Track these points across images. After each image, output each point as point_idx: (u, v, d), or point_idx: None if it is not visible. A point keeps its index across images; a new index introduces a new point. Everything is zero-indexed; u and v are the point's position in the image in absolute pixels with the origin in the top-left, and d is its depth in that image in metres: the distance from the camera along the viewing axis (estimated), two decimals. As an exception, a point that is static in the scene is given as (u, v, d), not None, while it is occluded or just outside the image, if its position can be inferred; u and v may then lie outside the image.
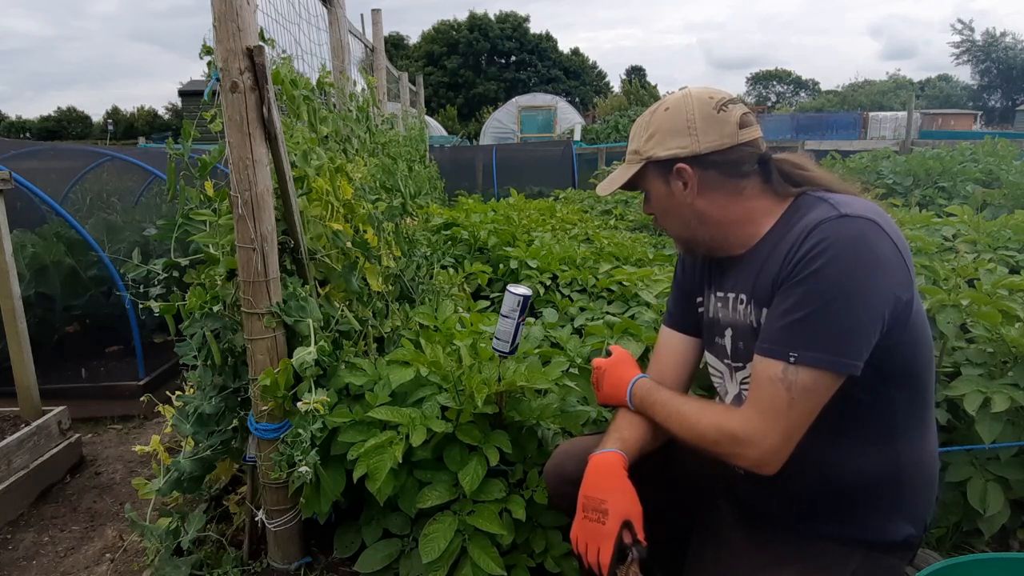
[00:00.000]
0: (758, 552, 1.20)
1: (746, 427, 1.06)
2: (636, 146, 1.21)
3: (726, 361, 1.26)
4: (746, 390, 1.21)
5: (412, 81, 7.20)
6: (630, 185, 1.25)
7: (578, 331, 2.33)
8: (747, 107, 1.16)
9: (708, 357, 1.34)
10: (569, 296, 2.93)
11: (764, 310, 1.11)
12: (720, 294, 1.26)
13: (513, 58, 45.01)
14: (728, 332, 1.24)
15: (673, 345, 1.39)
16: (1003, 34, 41.79)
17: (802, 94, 56.06)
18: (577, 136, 18.44)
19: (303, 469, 1.52)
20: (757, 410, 1.06)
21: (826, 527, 1.15)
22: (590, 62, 47.90)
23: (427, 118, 9.11)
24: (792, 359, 1.01)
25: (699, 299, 1.35)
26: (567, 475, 1.38)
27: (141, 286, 1.81)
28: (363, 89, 2.96)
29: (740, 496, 1.29)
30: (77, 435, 2.65)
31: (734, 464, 1.10)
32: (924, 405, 1.15)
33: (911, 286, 1.05)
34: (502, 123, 23.50)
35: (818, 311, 1.00)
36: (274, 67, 1.67)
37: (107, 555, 2.03)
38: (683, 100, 1.15)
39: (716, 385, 1.32)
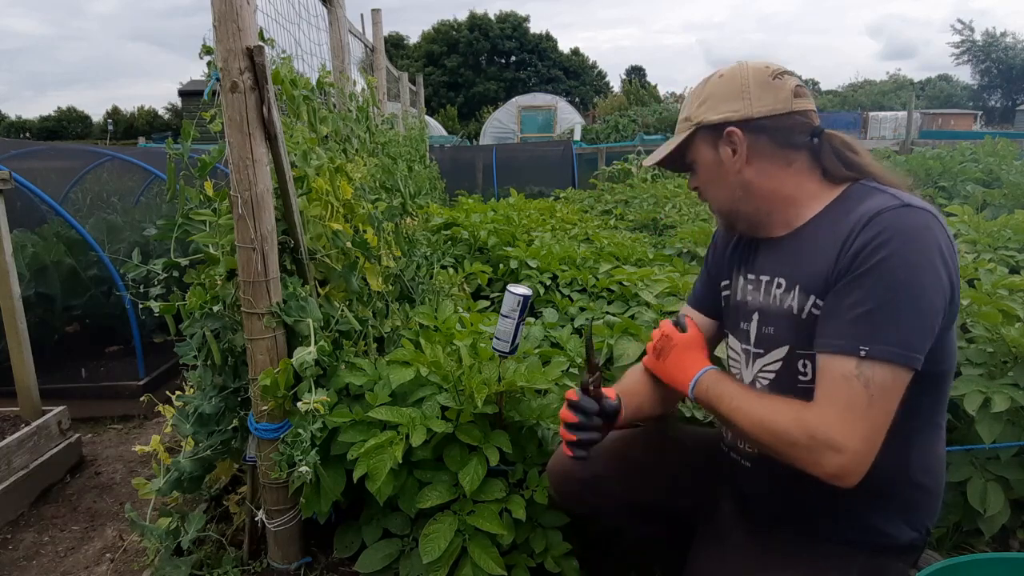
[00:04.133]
0: (760, 553, 1.19)
1: (824, 426, 0.97)
2: (687, 114, 1.19)
3: (746, 346, 1.23)
4: (762, 377, 1.18)
5: (412, 81, 7.20)
6: (677, 160, 1.23)
7: (578, 331, 2.33)
8: (802, 82, 1.15)
9: (730, 341, 1.31)
10: (569, 296, 2.93)
11: (813, 298, 1.07)
12: (752, 276, 1.22)
13: (513, 58, 45.01)
14: (755, 316, 1.20)
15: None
16: (1003, 34, 41.82)
17: (802, 94, 55.87)
18: (577, 136, 18.42)
19: (303, 469, 1.52)
20: (834, 409, 0.98)
21: (830, 529, 1.15)
22: (590, 62, 47.90)
23: (427, 118, 9.11)
24: (863, 353, 0.96)
25: (725, 282, 1.31)
26: (571, 473, 1.38)
27: (141, 286, 1.81)
28: (363, 89, 2.96)
29: (744, 496, 1.28)
30: (77, 435, 2.65)
31: (811, 472, 1.00)
32: (942, 410, 1.14)
33: (957, 277, 1.03)
34: (502, 123, 23.48)
35: (887, 304, 0.96)
36: (274, 67, 1.67)
37: (107, 555, 2.03)
38: (739, 68, 1.15)
39: (733, 371, 1.29)
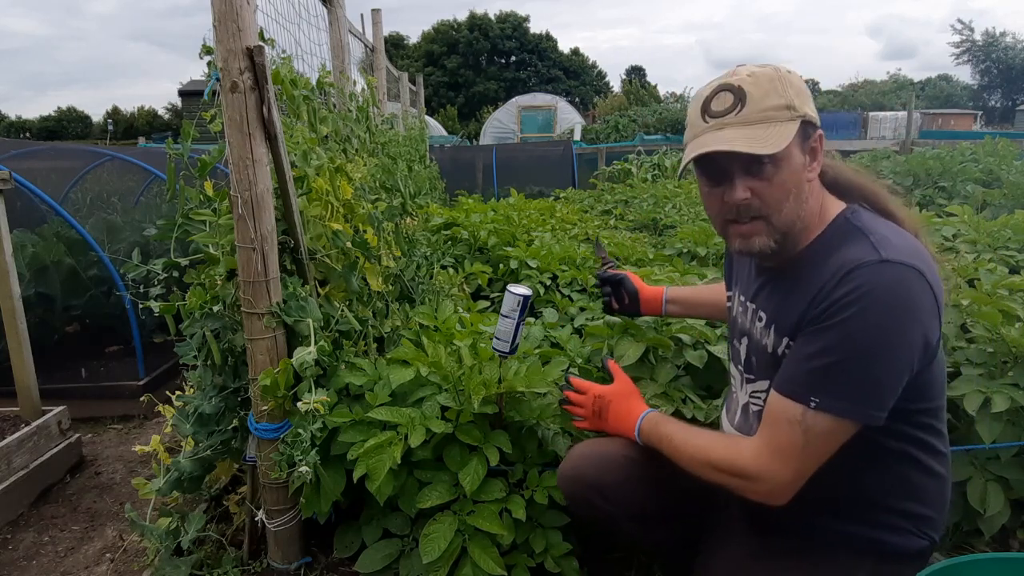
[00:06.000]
0: (766, 558, 1.19)
1: (757, 464, 1.05)
2: (786, 101, 1.01)
3: (739, 367, 1.25)
4: (755, 402, 1.19)
5: (412, 81, 7.20)
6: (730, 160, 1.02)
7: (578, 331, 2.33)
8: None
9: (729, 360, 1.33)
10: (569, 296, 2.93)
11: (785, 340, 1.08)
12: (743, 299, 1.24)
13: (513, 58, 45.00)
14: (744, 341, 1.23)
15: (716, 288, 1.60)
16: (1003, 34, 41.73)
17: (802, 94, 55.84)
18: (577, 136, 18.42)
19: (303, 469, 1.52)
20: (770, 449, 1.04)
21: (835, 537, 1.15)
22: (590, 62, 47.90)
23: (427, 118, 9.10)
24: (813, 404, 0.99)
25: (729, 292, 1.34)
26: (586, 479, 1.37)
27: (141, 286, 1.81)
28: (363, 89, 2.96)
29: (752, 502, 1.27)
30: (77, 435, 2.65)
31: (741, 495, 1.10)
32: (938, 431, 1.13)
33: (939, 328, 1.01)
34: (502, 123, 23.46)
35: (845, 360, 0.97)
36: (274, 67, 1.67)
37: (107, 555, 2.03)
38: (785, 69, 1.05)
39: (733, 389, 1.31)
